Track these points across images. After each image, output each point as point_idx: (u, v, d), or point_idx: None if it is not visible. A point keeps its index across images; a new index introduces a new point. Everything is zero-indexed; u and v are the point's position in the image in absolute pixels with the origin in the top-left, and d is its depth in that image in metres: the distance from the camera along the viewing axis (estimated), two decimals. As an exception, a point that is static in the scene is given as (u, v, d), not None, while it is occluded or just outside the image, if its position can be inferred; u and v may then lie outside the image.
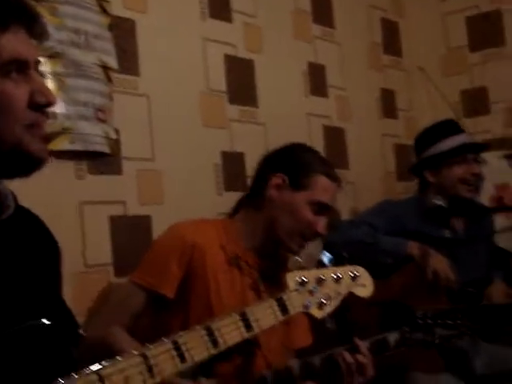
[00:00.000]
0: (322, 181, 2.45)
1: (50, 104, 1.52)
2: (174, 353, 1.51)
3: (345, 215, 3.78)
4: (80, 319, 2.60)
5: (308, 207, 2.42)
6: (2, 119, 1.44)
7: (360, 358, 2.19)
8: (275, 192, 2.46)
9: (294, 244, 2.44)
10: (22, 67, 1.47)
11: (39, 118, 1.50)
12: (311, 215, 2.42)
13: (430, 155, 3.29)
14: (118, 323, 2.27)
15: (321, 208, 2.43)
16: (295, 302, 1.75)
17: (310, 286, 1.79)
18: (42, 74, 2.45)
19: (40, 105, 1.49)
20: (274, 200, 2.46)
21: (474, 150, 3.28)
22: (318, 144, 3.97)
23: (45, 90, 1.51)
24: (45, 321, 1.47)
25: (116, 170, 2.89)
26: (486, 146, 3.43)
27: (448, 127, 3.37)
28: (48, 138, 1.56)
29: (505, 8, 4.60)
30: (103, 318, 2.36)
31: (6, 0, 1.46)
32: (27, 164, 1.50)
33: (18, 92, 1.45)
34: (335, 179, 2.50)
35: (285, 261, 2.54)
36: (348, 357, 2.19)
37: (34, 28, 1.50)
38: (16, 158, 1.48)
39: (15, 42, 1.45)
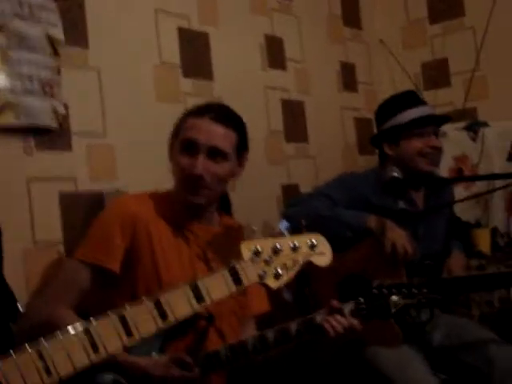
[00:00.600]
0: (186, 122, 2.41)
1: None
2: (120, 327, 1.49)
3: (305, 189, 3.76)
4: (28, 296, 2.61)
5: (181, 152, 2.38)
6: None
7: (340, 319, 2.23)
8: (169, 155, 2.47)
9: (187, 194, 2.37)
10: None
11: None
12: (184, 159, 2.36)
13: (389, 127, 3.28)
14: (65, 300, 2.26)
15: (190, 146, 2.36)
16: (249, 272, 1.73)
17: (266, 256, 1.77)
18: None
19: None
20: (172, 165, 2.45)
21: (433, 123, 3.26)
22: (277, 117, 3.98)
23: None
24: None
25: (65, 145, 2.85)
26: (446, 119, 3.41)
27: (408, 99, 3.34)
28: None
29: (464, -22, 4.60)
30: (50, 296, 2.33)
31: None
32: None
33: None
34: (199, 113, 2.42)
35: (238, 231, 2.52)
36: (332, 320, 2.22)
37: None
38: None
39: None
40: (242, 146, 2.46)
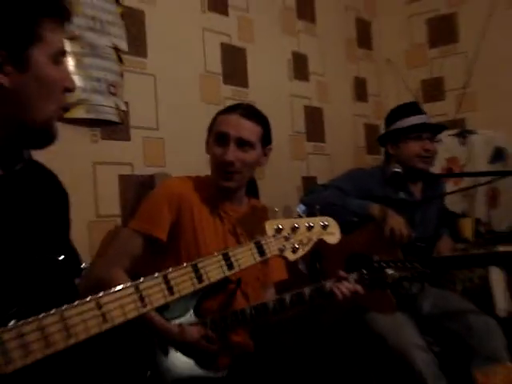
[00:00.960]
0: (218, 119, 2.42)
1: (73, 90, 1.50)
2: (164, 286, 1.48)
3: (322, 181, 3.74)
4: (92, 259, 2.62)
5: (214, 144, 2.38)
6: (44, 99, 1.41)
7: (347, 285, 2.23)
8: (206, 148, 2.46)
9: (220, 179, 2.37)
10: (63, 56, 1.44)
11: (66, 101, 1.48)
12: (217, 149, 2.36)
13: (391, 130, 3.27)
14: (120, 263, 2.26)
15: (222, 138, 2.36)
16: (272, 246, 1.72)
17: (286, 233, 1.75)
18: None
19: (68, 89, 1.46)
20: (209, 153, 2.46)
21: (428, 130, 3.23)
22: (300, 121, 3.97)
23: (71, 78, 1.48)
24: (60, 257, 1.47)
25: (125, 136, 2.86)
26: (441, 127, 3.36)
27: (411, 108, 3.33)
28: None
29: (459, 12, 4.57)
30: (108, 260, 2.34)
31: (58, 2, 1.43)
32: (46, 141, 1.49)
33: (60, 77, 1.43)
34: (229, 110, 2.43)
35: (263, 212, 2.51)
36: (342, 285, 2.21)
37: (68, 23, 1.47)
38: (40, 134, 1.46)
39: (61, 35, 1.43)
40: (266, 139, 2.45)
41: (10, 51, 1.37)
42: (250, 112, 2.42)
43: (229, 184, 2.37)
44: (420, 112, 3.30)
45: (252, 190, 2.61)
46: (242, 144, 2.35)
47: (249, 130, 2.37)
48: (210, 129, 2.46)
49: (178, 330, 2.14)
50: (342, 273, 2.28)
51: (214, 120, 2.45)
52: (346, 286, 2.23)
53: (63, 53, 1.44)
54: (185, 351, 2.16)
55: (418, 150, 3.16)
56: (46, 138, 1.46)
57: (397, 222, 2.87)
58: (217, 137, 2.38)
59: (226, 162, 2.33)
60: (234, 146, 2.34)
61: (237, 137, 2.34)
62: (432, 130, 3.25)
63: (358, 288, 2.25)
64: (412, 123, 3.18)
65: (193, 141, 3.01)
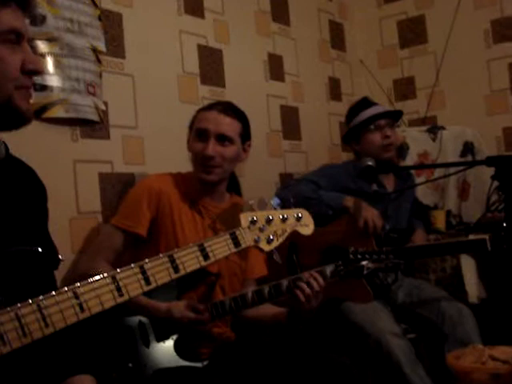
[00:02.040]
0: (198, 116, 2.43)
1: (38, 71, 1.48)
2: (140, 276, 1.47)
3: (298, 176, 3.72)
4: (74, 255, 2.59)
5: (194, 140, 2.38)
6: None
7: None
8: (187, 145, 2.47)
9: (201, 173, 2.36)
10: (18, 39, 1.41)
11: (28, 82, 1.45)
12: (198, 145, 2.36)
13: (350, 128, 3.27)
14: (102, 257, 2.25)
15: (202, 134, 2.36)
16: (246, 237, 1.71)
17: (260, 225, 1.75)
18: (39, 54, 2.40)
19: (30, 71, 1.43)
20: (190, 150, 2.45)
21: (383, 117, 3.21)
22: (276, 120, 3.94)
23: (35, 60, 1.46)
24: (39, 248, 1.45)
25: (105, 135, 2.81)
26: (395, 112, 3.37)
27: (362, 103, 3.33)
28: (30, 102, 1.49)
29: (427, 14, 4.58)
30: (91, 254, 2.34)
31: None
32: (16, 119, 1.45)
33: (14, 58, 1.40)
34: (208, 108, 2.43)
35: (238, 206, 2.49)
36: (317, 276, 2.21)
37: (30, 10, 1.46)
38: (6, 113, 1.42)
39: (13, 17, 1.40)
40: (245, 135, 2.44)
41: None
42: (229, 108, 2.42)
43: (210, 177, 2.35)
44: (372, 104, 3.30)
45: (234, 187, 2.60)
46: (222, 139, 2.34)
47: (228, 125, 2.36)
48: (191, 126, 2.46)
49: (166, 305, 2.14)
50: (315, 274, 2.24)
51: (194, 117, 2.45)
52: (318, 282, 2.20)
53: (17, 33, 1.40)
54: (176, 326, 2.15)
55: (379, 139, 3.16)
56: (14, 115, 1.43)
57: (370, 214, 2.86)
58: (197, 133, 2.37)
59: (207, 156, 2.32)
60: (214, 141, 2.33)
61: (216, 132, 2.34)
62: (389, 117, 3.24)
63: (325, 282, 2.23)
64: (368, 115, 3.18)
65: (171, 139, 2.99)
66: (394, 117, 3.30)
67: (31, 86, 1.47)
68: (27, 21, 1.47)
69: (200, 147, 2.34)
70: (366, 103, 3.31)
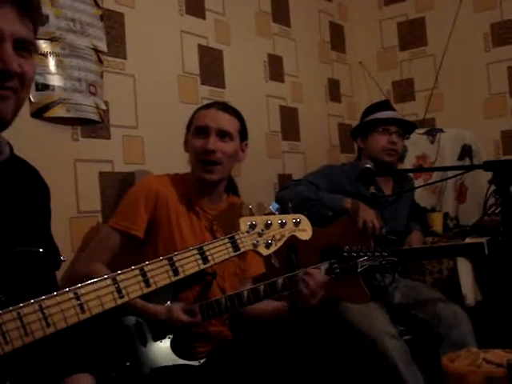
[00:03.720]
0: (197, 114, 2.45)
1: (4, 70, 1.35)
2: (140, 278, 1.48)
3: (297, 178, 3.73)
4: (73, 254, 2.60)
5: (194, 137, 2.39)
6: None
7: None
8: (184, 145, 2.48)
9: (200, 172, 2.37)
10: None
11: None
12: (198, 141, 2.37)
13: (360, 123, 3.31)
14: (100, 259, 2.26)
15: (202, 130, 2.37)
16: (245, 241, 1.72)
17: (259, 229, 1.75)
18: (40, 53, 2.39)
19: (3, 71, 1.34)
20: (187, 151, 2.46)
21: (395, 124, 3.23)
22: (275, 120, 3.96)
23: (4, 58, 1.34)
24: (40, 249, 1.45)
25: (105, 134, 2.82)
26: (409, 124, 3.36)
27: (381, 105, 3.36)
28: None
29: (427, 16, 4.60)
30: (88, 255, 2.35)
31: None
32: None
33: None
34: (207, 106, 2.45)
35: (240, 208, 2.50)
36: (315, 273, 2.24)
37: (26, 9, 1.37)
38: None
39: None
40: (243, 134, 2.47)
41: None
42: (227, 106, 2.46)
43: (211, 176, 2.36)
44: (389, 108, 3.32)
45: (231, 187, 2.61)
46: (223, 135, 2.37)
47: (228, 121, 2.39)
48: (189, 126, 2.47)
49: (161, 309, 2.15)
50: (311, 270, 2.27)
51: (192, 117, 2.47)
52: (315, 279, 2.23)
53: None
54: (172, 328, 2.17)
55: (384, 142, 3.18)
56: None
57: (369, 215, 2.88)
58: (197, 130, 2.38)
59: (208, 150, 2.33)
60: (214, 136, 2.35)
61: (217, 128, 2.36)
62: (401, 126, 3.26)
63: (325, 279, 2.27)
64: (380, 117, 3.20)
65: (171, 139, 2.99)
66: (406, 128, 3.31)
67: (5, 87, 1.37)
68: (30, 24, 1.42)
69: (200, 143, 2.35)
70: (384, 105, 3.34)
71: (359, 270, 2.33)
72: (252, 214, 1.79)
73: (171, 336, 2.19)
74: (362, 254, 2.38)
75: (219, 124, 2.36)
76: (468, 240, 3.11)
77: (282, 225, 1.82)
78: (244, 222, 1.73)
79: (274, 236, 1.79)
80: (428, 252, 2.87)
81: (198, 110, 2.47)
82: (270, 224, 1.78)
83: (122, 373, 2.08)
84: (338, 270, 2.32)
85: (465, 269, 3.19)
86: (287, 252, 2.95)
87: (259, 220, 1.76)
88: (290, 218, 1.85)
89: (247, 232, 1.73)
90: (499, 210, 3.11)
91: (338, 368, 2.23)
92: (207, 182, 2.38)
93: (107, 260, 2.26)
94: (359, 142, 3.30)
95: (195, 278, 2.25)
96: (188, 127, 2.47)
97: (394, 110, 3.37)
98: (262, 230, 1.76)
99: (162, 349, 2.17)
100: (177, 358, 2.17)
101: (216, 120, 2.37)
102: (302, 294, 2.23)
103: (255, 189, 3.43)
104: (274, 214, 1.87)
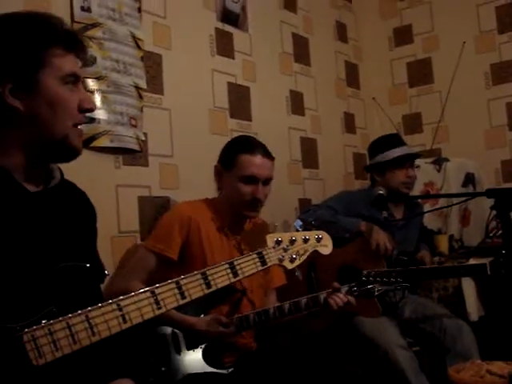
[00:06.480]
0: (242, 159, 2.38)
1: (93, 110, 1.53)
2: (176, 291, 1.49)
3: (316, 202, 3.74)
4: (114, 270, 2.61)
5: (242, 184, 2.36)
6: (57, 117, 1.42)
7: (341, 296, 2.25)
8: (217, 177, 2.47)
9: (245, 210, 2.39)
10: (76, 81, 1.46)
11: (83, 119, 1.50)
12: (246, 188, 2.35)
13: (378, 162, 3.26)
14: (136, 277, 2.27)
15: (252, 179, 2.36)
16: (272, 256, 1.72)
17: (284, 245, 1.76)
18: (88, 90, 2.45)
19: (86, 109, 1.48)
20: (222, 184, 2.45)
21: (410, 159, 3.24)
22: (296, 150, 3.98)
23: (90, 100, 1.51)
24: (87, 264, 1.48)
25: (144, 162, 2.85)
26: (419, 155, 3.39)
27: (394, 140, 3.33)
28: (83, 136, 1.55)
29: (434, 57, 4.62)
30: (127, 274, 2.36)
31: (69, 34, 1.47)
32: (69, 155, 1.50)
33: (73, 98, 1.45)
34: (251, 151, 2.38)
35: (263, 227, 2.52)
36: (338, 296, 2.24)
37: (83, 56, 1.52)
38: (61, 150, 1.47)
39: (72, 62, 1.46)
40: None
41: (20, 77, 1.39)
42: (267, 151, 2.44)
43: (256, 214, 2.44)
44: (402, 143, 3.31)
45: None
46: (267, 182, 2.41)
47: (270, 168, 2.42)
48: (230, 164, 2.41)
49: (194, 319, 2.17)
50: (335, 284, 2.28)
51: (236, 158, 2.39)
52: (340, 297, 2.24)
53: (75, 76, 1.46)
54: (204, 337, 2.18)
55: (403, 177, 3.18)
56: (68, 151, 1.48)
57: (382, 237, 2.88)
58: (246, 179, 2.36)
59: (258, 199, 2.36)
60: (261, 185, 2.37)
61: (265, 178, 2.39)
62: (412, 159, 3.26)
63: (351, 299, 2.27)
64: (397, 154, 3.18)
65: (202, 167, 3.00)
66: (414, 158, 3.31)
67: (84, 123, 1.51)
68: (80, 63, 1.52)
69: (249, 190, 2.36)
70: (397, 141, 3.31)
71: (376, 294, 2.32)
72: (278, 231, 1.80)
73: (203, 346, 2.19)
74: (378, 279, 2.36)
75: (266, 174, 2.38)
76: (472, 260, 3.09)
77: (306, 241, 1.82)
78: (271, 239, 1.74)
79: (298, 251, 1.78)
80: (435, 272, 2.84)
81: (241, 152, 2.40)
82: (295, 240, 1.78)
83: (158, 378, 2.08)
84: (356, 293, 2.30)
85: (469, 287, 3.17)
86: (307, 270, 2.96)
87: (284, 236, 1.77)
88: (312, 235, 1.85)
89: (273, 248, 1.73)
90: (500, 233, 3.09)
91: (354, 377, 2.23)
92: (251, 217, 2.44)
93: (143, 278, 2.26)
94: (376, 177, 3.27)
95: (225, 294, 2.26)
96: (229, 165, 2.41)
97: (405, 143, 3.36)
98: (287, 246, 1.76)
99: (194, 357, 2.18)
100: (207, 366, 2.18)
101: (264, 169, 2.37)
102: (331, 309, 2.23)
103: (278, 212, 3.43)
104: (297, 231, 1.87)
